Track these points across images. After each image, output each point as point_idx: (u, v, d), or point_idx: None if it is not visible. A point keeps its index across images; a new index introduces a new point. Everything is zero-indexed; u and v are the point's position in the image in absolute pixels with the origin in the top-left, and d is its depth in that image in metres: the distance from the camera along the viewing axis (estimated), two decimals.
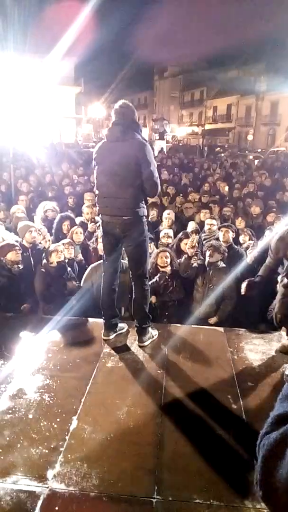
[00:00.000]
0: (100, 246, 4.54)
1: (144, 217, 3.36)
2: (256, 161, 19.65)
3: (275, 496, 0.82)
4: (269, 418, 0.93)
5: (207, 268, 4.48)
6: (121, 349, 3.48)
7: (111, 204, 3.27)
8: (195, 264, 4.55)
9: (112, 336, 3.61)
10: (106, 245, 3.54)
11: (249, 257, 4.45)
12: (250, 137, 35.80)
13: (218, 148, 30.44)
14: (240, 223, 6.16)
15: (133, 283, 3.58)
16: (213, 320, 4.37)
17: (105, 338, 3.59)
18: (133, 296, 3.59)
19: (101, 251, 4.40)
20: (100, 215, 3.44)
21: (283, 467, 0.80)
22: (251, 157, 22.97)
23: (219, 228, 5.28)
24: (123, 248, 3.52)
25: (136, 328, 3.60)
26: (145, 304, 3.56)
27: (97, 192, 3.43)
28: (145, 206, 3.37)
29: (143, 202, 3.33)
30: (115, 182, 3.21)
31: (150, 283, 3.80)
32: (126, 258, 4.76)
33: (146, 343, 3.53)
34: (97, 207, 3.45)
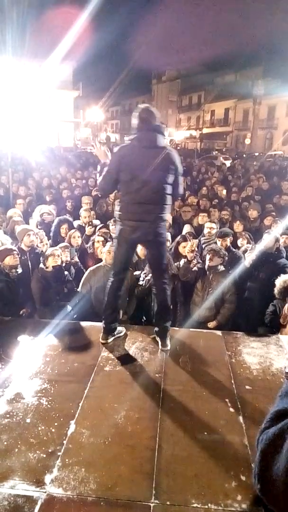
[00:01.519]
0: (104, 250, 4.52)
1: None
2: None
3: (272, 489, 0.83)
4: (269, 414, 0.94)
5: (207, 272, 4.49)
6: (119, 353, 3.47)
7: (142, 210, 3.20)
8: (194, 268, 4.56)
9: (110, 340, 3.61)
10: (121, 253, 3.47)
11: (247, 260, 4.46)
12: (247, 141, 35.92)
13: (216, 152, 30.53)
14: (238, 226, 6.19)
15: (155, 287, 3.60)
16: (212, 324, 4.37)
17: (103, 341, 3.58)
18: (156, 300, 3.60)
19: (106, 257, 4.39)
20: (121, 221, 3.32)
21: (280, 461, 0.82)
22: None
23: (217, 237, 5.29)
24: (147, 253, 3.52)
25: (158, 332, 3.58)
26: (169, 305, 3.62)
27: (122, 198, 3.31)
28: None
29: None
30: (149, 188, 3.17)
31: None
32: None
33: (169, 346, 3.53)
34: (119, 213, 3.32)
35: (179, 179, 3.36)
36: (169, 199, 3.30)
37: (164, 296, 3.56)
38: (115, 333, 3.67)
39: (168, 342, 3.56)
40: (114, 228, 5.97)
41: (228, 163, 22.11)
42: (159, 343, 3.57)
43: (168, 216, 3.39)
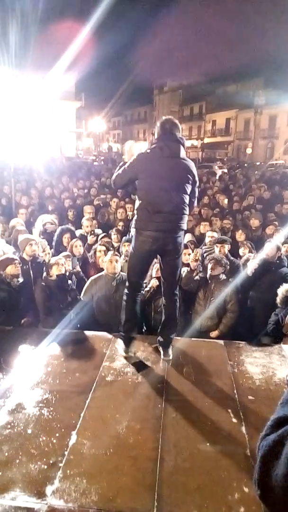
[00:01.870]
0: (106, 260, 4.51)
1: None
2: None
3: (271, 495, 0.84)
4: (269, 421, 0.95)
5: (209, 281, 4.49)
6: (121, 363, 3.46)
7: (163, 219, 3.19)
8: (196, 277, 4.56)
9: (131, 352, 3.58)
10: (139, 265, 3.45)
11: (249, 269, 4.46)
12: (249, 150, 36.13)
13: (218, 162, 30.71)
14: (240, 235, 6.20)
15: (165, 297, 3.56)
16: (214, 333, 4.36)
17: (126, 355, 3.53)
18: (165, 311, 3.57)
19: (108, 267, 4.39)
20: (140, 232, 3.27)
21: (279, 467, 0.83)
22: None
23: (215, 244, 5.29)
24: (162, 262, 3.47)
25: (162, 342, 3.57)
26: (177, 316, 3.63)
27: (141, 207, 3.24)
28: None
29: None
30: (170, 198, 3.17)
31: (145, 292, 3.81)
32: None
33: (171, 356, 3.52)
34: (139, 223, 3.27)
35: (195, 190, 3.40)
36: (187, 210, 3.32)
37: (174, 307, 3.55)
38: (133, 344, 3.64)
39: (170, 352, 3.55)
40: (117, 238, 6.03)
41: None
42: (161, 352, 3.56)
43: (185, 226, 3.39)
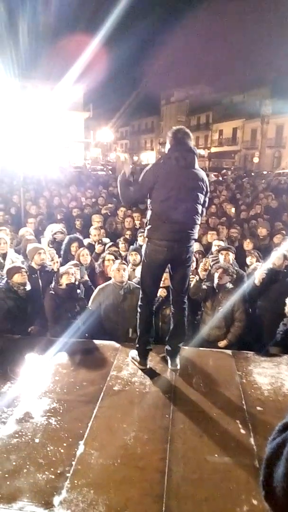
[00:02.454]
0: (113, 268, 4.52)
1: None
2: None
3: (274, 495, 0.87)
4: (277, 426, 0.97)
5: (216, 290, 4.48)
6: (128, 372, 3.46)
7: (177, 229, 3.21)
8: (204, 286, 4.55)
9: (148, 364, 3.55)
10: (153, 276, 3.45)
11: (257, 278, 4.44)
12: (256, 160, 36.14)
13: (224, 171, 30.76)
14: (248, 245, 6.19)
15: (174, 306, 3.55)
16: (222, 343, 4.33)
17: (143, 367, 3.50)
18: (174, 320, 3.56)
19: (115, 275, 4.40)
20: (154, 242, 3.26)
21: (280, 466, 0.84)
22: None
23: (219, 251, 5.29)
24: (172, 270, 3.47)
25: (170, 352, 3.55)
26: (186, 326, 3.64)
27: (155, 217, 3.23)
28: None
29: None
30: (184, 208, 3.18)
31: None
32: (134, 279, 4.80)
33: (179, 366, 3.51)
34: (152, 233, 3.26)
35: (207, 200, 3.43)
36: (199, 219, 3.35)
37: (182, 316, 3.55)
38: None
39: (178, 361, 3.54)
40: (124, 247, 6.06)
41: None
42: (169, 362, 3.55)
43: (196, 236, 3.41)
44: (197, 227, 3.35)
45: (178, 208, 3.16)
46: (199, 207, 3.30)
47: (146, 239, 3.37)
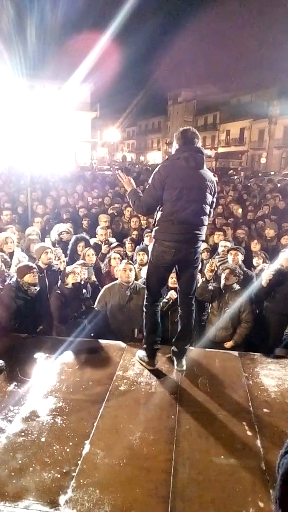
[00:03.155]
0: (120, 268, 4.53)
1: None
2: None
3: None
4: None
5: (223, 291, 4.46)
6: (134, 372, 3.45)
7: (186, 230, 3.19)
8: (210, 287, 4.54)
9: (157, 364, 3.55)
10: (159, 277, 3.45)
11: (264, 280, 4.42)
12: (263, 160, 36.00)
13: (231, 171, 30.66)
14: (255, 245, 6.16)
15: (182, 308, 3.54)
16: (229, 344, 4.32)
17: (152, 368, 3.49)
18: (181, 321, 3.55)
19: (122, 275, 4.40)
20: (163, 243, 3.24)
21: None
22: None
23: (228, 251, 5.27)
24: (180, 272, 3.45)
25: (177, 352, 3.54)
26: (193, 327, 3.63)
27: (164, 218, 3.20)
28: None
29: None
30: (194, 209, 3.17)
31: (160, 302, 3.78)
32: (140, 280, 4.80)
33: (185, 367, 3.51)
34: (161, 233, 3.24)
35: (214, 200, 3.41)
36: (207, 220, 3.33)
37: (190, 318, 3.54)
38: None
39: (184, 362, 3.53)
40: (131, 247, 6.06)
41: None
42: (175, 363, 3.54)
43: (204, 237, 3.40)
44: (205, 228, 3.33)
45: (187, 209, 3.14)
46: (207, 208, 3.28)
47: (153, 239, 3.35)
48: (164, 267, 3.38)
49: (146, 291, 3.55)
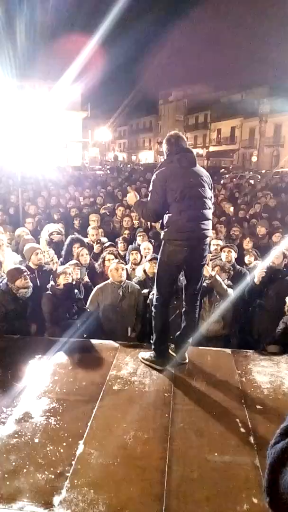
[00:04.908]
0: (111, 268, 4.53)
1: None
2: None
3: (279, 502, 0.84)
4: (279, 429, 0.96)
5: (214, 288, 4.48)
6: (128, 372, 3.45)
7: (198, 227, 3.24)
8: (204, 284, 4.56)
9: (165, 365, 3.56)
10: (170, 278, 3.47)
11: (256, 277, 4.44)
12: (254, 159, 36.18)
13: (223, 170, 30.77)
14: (247, 243, 6.18)
15: (188, 304, 3.57)
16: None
17: (161, 367, 3.49)
18: (186, 318, 3.58)
19: (114, 275, 4.40)
20: (174, 242, 3.26)
21: (286, 474, 0.83)
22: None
23: (221, 249, 5.30)
24: (189, 270, 3.47)
25: (180, 346, 3.59)
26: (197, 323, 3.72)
27: (172, 218, 3.24)
28: None
29: None
30: (199, 204, 3.25)
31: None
32: (134, 279, 4.80)
33: (187, 359, 3.59)
34: (172, 234, 3.26)
35: (212, 195, 3.50)
36: (211, 213, 3.40)
37: (195, 314, 3.60)
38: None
39: (186, 355, 3.60)
40: (123, 246, 6.05)
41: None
42: (178, 356, 3.58)
43: (211, 232, 3.47)
44: (211, 223, 3.39)
45: (192, 205, 3.22)
46: (210, 202, 3.36)
47: (163, 241, 3.37)
48: (176, 266, 3.41)
49: (156, 292, 3.56)
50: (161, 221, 3.41)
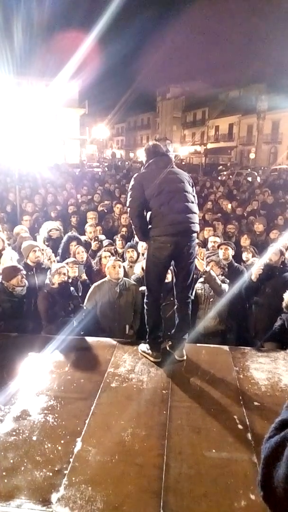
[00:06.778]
0: (108, 265, 4.53)
1: None
2: None
3: (273, 496, 0.85)
4: (274, 423, 0.96)
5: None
6: (126, 369, 3.45)
7: (181, 219, 3.29)
8: (201, 280, 4.56)
9: (145, 362, 3.60)
10: (158, 273, 3.50)
11: (254, 274, 4.44)
12: (252, 156, 36.14)
13: (221, 167, 30.74)
14: (245, 240, 6.19)
15: (179, 302, 3.61)
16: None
17: (157, 360, 3.54)
18: (179, 314, 3.62)
19: (111, 272, 4.39)
20: (158, 238, 3.31)
21: (280, 468, 0.83)
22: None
23: (218, 246, 5.31)
24: (176, 267, 3.52)
25: (177, 343, 3.62)
26: (190, 318, 3.74)
27: (155, 214, 3.32)
28: None
29: None
30: (178, 198, 3.31)
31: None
32: (132, 276, 4.80)
33: (185, 356, 3.60)
34: (156, 229, 3.32)
35: (195, 195, 3.56)
36: (196, 208, 3.45)
37: (187, 309, 3.63)
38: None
39: (184, 352, 3.61)
40: (121, 244, 6.04)
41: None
42: (176, 353, 3.60)
43: (198, 228, 3.48)
44: (197, 218, 3.41)
45: (172, 198, 3.28)
46: (190, 196, 3.41)
47: (149, 239, 3.41)
48: (162, 263, 3.44)
49: (146, 290, 3.60)
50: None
